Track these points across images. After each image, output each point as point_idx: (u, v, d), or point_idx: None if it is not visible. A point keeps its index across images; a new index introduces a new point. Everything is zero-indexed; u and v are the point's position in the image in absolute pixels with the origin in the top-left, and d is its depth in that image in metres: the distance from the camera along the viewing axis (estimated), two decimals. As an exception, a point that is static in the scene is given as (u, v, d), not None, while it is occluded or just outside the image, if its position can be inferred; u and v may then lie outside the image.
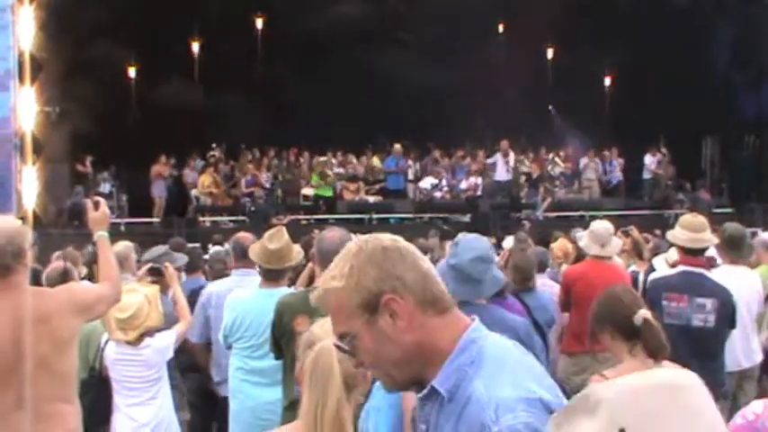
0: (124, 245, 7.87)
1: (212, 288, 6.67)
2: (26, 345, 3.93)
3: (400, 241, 2.17)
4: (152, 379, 5.68)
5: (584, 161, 24.45)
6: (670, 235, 6.30)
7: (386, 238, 2.17)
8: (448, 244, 7.86)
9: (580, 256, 8.33)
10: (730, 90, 27.03)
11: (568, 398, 1.61)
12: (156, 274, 6.55)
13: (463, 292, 4.33)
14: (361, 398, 2.79)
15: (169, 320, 5.91)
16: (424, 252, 8.10)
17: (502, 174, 23.04)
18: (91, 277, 8.78)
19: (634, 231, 9.55)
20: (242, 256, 6.67)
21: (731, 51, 26.24)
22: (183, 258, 7.51)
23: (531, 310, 6.63)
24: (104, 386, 5.73)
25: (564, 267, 8.63)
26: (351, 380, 2.69)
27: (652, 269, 7.66)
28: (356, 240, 2.18)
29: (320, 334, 2.75)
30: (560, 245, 9.38)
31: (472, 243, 4.44)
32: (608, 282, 6.17)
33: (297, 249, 5.92)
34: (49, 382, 4.04)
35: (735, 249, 6.69)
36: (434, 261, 8.21)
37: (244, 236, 7.08)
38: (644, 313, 3.83)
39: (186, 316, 6.10)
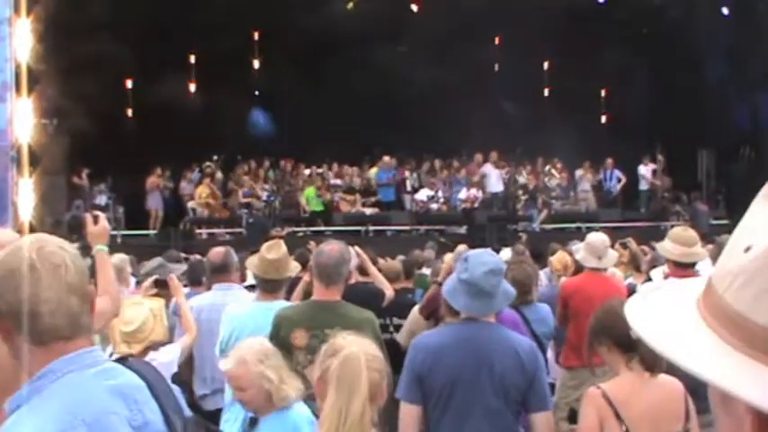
0: (119, 257, 7.89)
1: (193, 302, 6.59)
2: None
3: (47, 261, 2.14)
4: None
5: (579, 173, 24.47)
6: (660, 248, 6.32)
7: (32, 257, 2.14)
8: (446, 256, 7.88)
9: (579, 268, 8.34)
10: (725, 102, 27.10)
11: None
12: (161, 287, 6.56)
13: (476, 306, 4.35)
14: (378, 409, 2.82)
15: (171, 333, 5.91)
16: (422, 264, 8.12)
17: (495, 185, 23.06)
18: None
19: (632, 244, 9.58)
20: (219, 271, 6.67)
21: (725, 64, 26.32)
22: (178, 269, 7.51)
23: (530, 322, 6.66)
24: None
25: (563, 280, 8.64)
26: (374, 389, 2.72)
27: (649, 281, 7.67)
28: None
29: (344, 344, 2.78)
30: (559, 257, 9.38)
31: (483, 257, 4.46)
32: (605, 294, 6.19)
33: (294, 264, 5.95)
34: None
35: (729, 262, 6.67)
36: (433, 273, 8.25)
37: (217, 251, 7.08)
38: None
39: (192, 328, 6.08)
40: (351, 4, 26.07)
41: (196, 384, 6.59)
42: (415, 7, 26.33)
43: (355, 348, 2.68)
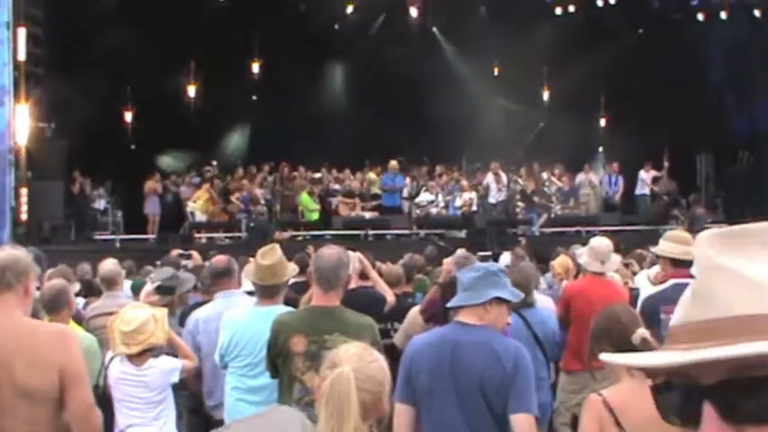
0: (113, 263, 7.86)
1: (199, 314, 6.50)
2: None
3: None
4: (153, 401, 5.64)
5: (580, 177, 24.45)
6: (658, 250, 6.34)
7: None
8: (445, 260, 7.87)
9: (580, 272, 8.35)
10: (723, 107, 27.15)
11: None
12: (166, 293, 6.53)
13: (457, 299, 4.41)
14: (376, 425, 2.79)
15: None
16: (422, 269, 8.10)
17: (494, 196, 23.02)
18: (87, 295, 8.78)
19: (634, 265, 9.67)
20: (222, 276, 6.65)
21: (724, 69, 26.36)
22: (190, 282, 7.47)
23: (531, 324, 6.65)
24: (107, 404, 5.71)
25: (564, 284, 8.63)
26: (366, 408, 2.69)
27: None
28: None
29: (343, 358, 2.75)
30: (561, 261, 9.38)
31: (478, 264, 4.56)
32: (607, 299, 6.18)
33: (292, 266, 5.91)
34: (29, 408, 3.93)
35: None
36: (435, 277, 8.24)
37: (219, 259, 7.06)
38: (642, 332, 3.82)
39: (191, 356, 6.03)
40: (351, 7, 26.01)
41: (206, 394, 6.54)
42: (414, 11, 26.32)
43: (348, 368, 2.65)
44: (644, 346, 3.76)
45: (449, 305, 4.58)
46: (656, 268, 7.44)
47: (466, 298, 4.37)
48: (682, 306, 1.29)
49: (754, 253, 1.22)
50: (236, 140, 27.38)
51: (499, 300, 4.35)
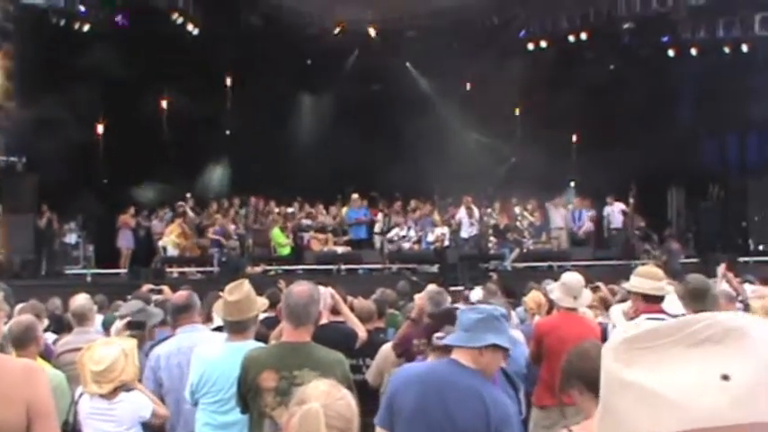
0: (84, 297, 7.80)
1: (160, 350, 6.43)
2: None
3: None
4: None
5: (550, 210, 24.58)
6: (629, 285, 6.37)
7: None
8: (416, 296, 7.86)
9: (552, 308, 8.36)
10: (694, 141, 27.42)
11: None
12: (136, 328, 6.48)
13: (453, 338, 4.41)
14: None
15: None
16: (394, 304, 8.10)
17: (467, 231, 23.07)
18: (57, 331, 8.70)
19: (603, 288, 9.65)
20: (182, 312, 6.61)
21: (694, 104, 26.65)
22: (158, 315, 7.43)
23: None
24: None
25: (536, 318, 8.65)
26: None
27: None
28: None
29: (312, 395, 2.73)
30: (533, 296, 9.40)
31: (480, 306, 4.55)
32: (579, 334, 6.20)
33: (261, 301, 5.88)
34: None
35: (698, 301, 6.72)
36: (406, 312, 8.22)
37: (180, 293, 7.06)
38: None
39: (162, 407, 5.97)
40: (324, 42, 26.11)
41: (169, 429, 6.46)
42: (381, 41, 26.49)
43: (317, 405, 2.63)
44: None
45: (445, 342, 4.55)
46: (629, 303, 7.46)
47: (464, 339, 4.33)
48: (596, 423, 1.22)
49: (662, 356, 1.14)
50: (209, 174, 27.33)
51: (495, 346, 4.32)
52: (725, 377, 1.08)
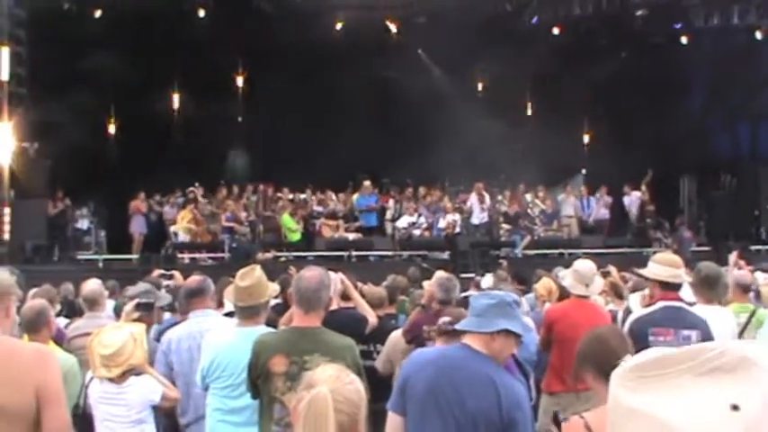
0: (96, 283, 7.82)
1: (171, 334, 6.47)
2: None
3: None
4: (132, 420, 5.59)
5: (561, 197, 24.55)
6: (647, 272, 6.31)
7: None
8: (426, 283, 7.86)
9: (563, 295, 8.34)
10: (706, 130, 27.32)
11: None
12: (145, 310, 6.51)
13: (465, 323, 4.40)
14: None
15: (152, 357, 5.88)
16: (405, 290, 8.10)
17: (478, 217, 23.05)
18: (69, 315, 8.74)
19: (613, 273, 9.61)
20: (195, 296, 6.62)
21: (706, 92, 26.54)
22: (166, 297, 7.46)
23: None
24: (88, 424, 5.67)
25: (547, 306, 8.64)
26: (344, 429, 2.66)
27: (629, 310, 7.68)
28: None
29: (320, 379, 2.72)
30: (544, 283, 9.39)
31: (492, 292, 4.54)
32: (590, 321, 6.19)
33: (272, 287, 5.88)
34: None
35: (710, 289, 6.71)
36: (415, 299, 8.23)
37: (193, 277, 7.05)
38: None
39: (174, 390, 5.99)
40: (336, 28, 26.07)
41: (180, 413, 6.50)
42: (393, 27, 26.44)
43: (325, 389, 2.62)
44: None
45: (457, 327, 4.54)
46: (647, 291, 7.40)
47: (475, 324, 4.32)
48: None
49: (671, 384, 1.13)
50: (221, 161, 27.33)
51: (507, 331, 4.30)
52: (735, 407, 1.08)
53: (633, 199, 24.22)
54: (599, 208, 24.65)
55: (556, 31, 26.81)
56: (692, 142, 25.68)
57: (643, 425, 1.12)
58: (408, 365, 4.46)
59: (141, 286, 7.27)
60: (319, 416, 2.60)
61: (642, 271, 6.53)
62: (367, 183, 23.65)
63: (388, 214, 23.67)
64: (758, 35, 24.95)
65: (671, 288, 6.05)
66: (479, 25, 24.77)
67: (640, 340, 5.27)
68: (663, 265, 6.13)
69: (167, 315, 7.71)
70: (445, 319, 5.52)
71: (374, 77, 25.93)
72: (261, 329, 5.48)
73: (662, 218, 24.38)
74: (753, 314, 7.29)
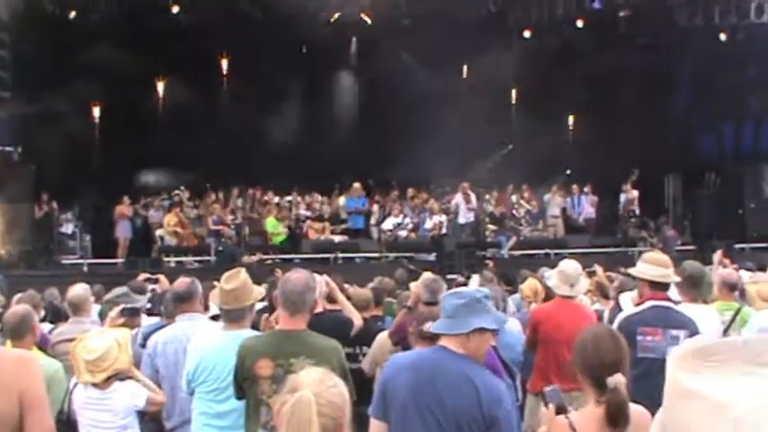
0: (82, 287, 7.79)
1: (158, 337, 6.46)
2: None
3: None
4: (117, 425, 5.57)
5: (547, 197, 24.58)
6: (636, 271, 6.32)
7: None
8: (413, 284, 7.85)
9: (549, 295, 8.35)
10: (691, 129, 27.42)
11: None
12: (130, 315, 6.49)
13: (436, 326, 4.38)
14: None
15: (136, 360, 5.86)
16: (392, 292, 8.07)
17: (464, 216, 23.07)
18: (54, 320, 8.70)
19: (599, 272, 9.62)
20: (184, 300, 6.60)
21: (691, 91, 26.64)
22: (142, 300, 7.44)
23: (497, 348, 6.64)
24: (72, 429, 5.65)
25: (533, 306, 8.65)
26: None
27: (619, 308, 7.68)
28: None
29: (304, 383, 2.72)
30: (530, 284, 9.39)
31: (461, 289, 4.50)
32: (575, 322, 6.20)
33: (258, 290, 5.87)
34: None
35: (694, 288, 6.74)
36: (401, 301, 8.22)
37: (182, 280, 7.02)
38: (618, 379, 3.72)
39: (159, 392, 5.97)
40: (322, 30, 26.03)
41: (165, 417, 6.48)
42: (378, 29, 26.42)
43: (308, 393, 2.62)
44: (611, 395, 3.70)
45: (431, 329, 4.54)
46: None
47: (448, 326, 4.30)
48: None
49: (731, 372, 1.14)
50: (206, 164, 27.27)
51: (482, 329, 4.27)
52: None
53: (629, 197, 24.28)
54: (587, 207, 24.72)
55: (540, 32, 26.84)
56: (676, 142, 25.76)
57: (698, 406, 1.14)
58: (387, 371, 4.45)
59: (117, 290, 7.25)
60: (302, 420, 2.60)
61: (631, 270, 6.55)
62: (356, 185, 23.62)
63: (373, 219, 23.67)
64: (740, 36, 25.08)
65: (660, 288, 6.06)
66: (464, 27, 24.79)
67: (628, 339, 5.29)
68: (652, 264, 6.14)
69: (156, 319, 7.68)
70: (428, 324, 5.52)
71: (358, 79, 25.92)
72: (246, 333, 5.47)
73: (647, 217, 24.45)
74: (737, 312, 7.31)
